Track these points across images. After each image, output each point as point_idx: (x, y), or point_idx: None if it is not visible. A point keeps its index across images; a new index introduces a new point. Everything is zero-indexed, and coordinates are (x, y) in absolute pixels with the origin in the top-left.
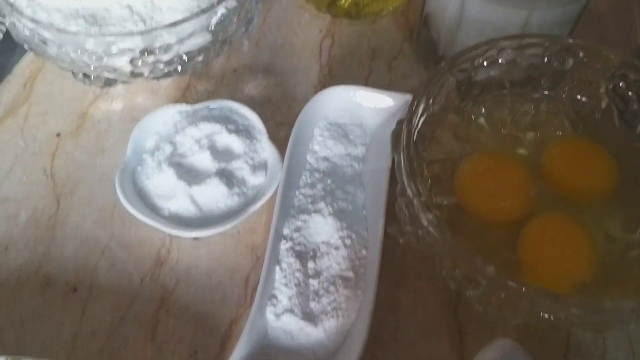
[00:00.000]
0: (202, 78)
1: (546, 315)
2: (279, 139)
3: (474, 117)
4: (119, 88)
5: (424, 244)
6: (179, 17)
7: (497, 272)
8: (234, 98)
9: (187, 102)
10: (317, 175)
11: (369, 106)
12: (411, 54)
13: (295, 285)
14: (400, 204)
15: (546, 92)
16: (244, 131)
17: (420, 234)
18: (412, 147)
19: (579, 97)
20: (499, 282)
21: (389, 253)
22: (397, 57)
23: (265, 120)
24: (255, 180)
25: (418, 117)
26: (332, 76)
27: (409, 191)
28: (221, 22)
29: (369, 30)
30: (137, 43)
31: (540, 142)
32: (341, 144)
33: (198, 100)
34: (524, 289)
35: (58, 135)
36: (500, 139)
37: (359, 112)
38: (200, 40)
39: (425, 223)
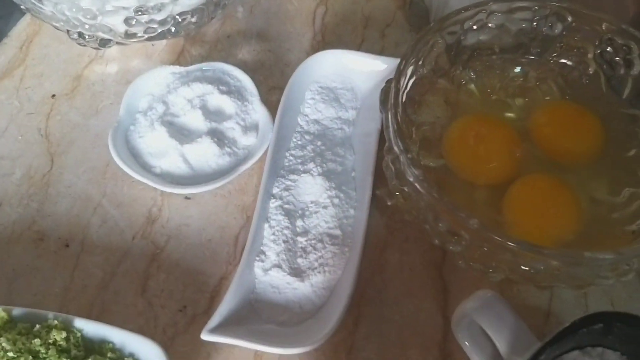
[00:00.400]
0: (196, 43)
1: (527, 268)
2: (271, 103)
3: (463, 82)
4: (114, 51)
5: (409, 200)
6: None
7: (480, 224)
8: (227, 62)
9: (180, 65)
10: (307, 137)
11: (360, 70)
12: (404, 22)
13: (284, 242)
14: (387, 161)
15: (535, 58)
16: (236, 93)
17: (406, 190)
18: (399, 105)
19: (567, 62)
20: (481, 235)
21: (378, 215)
22: (390, 24)
23: (258, 84)
24: (246, 140)
25: (407, 78)
26: (325, 43)
27: (395, 148)
28: None
29: None
30: (132, 2)
31: (529, 107)
32: (332, 107)
33: (192, 64)
34: (505, 240)
35: (53, 96)
36: (489, 104)
37: (350, 76)
38: (194, 0)
39: (411, 179)
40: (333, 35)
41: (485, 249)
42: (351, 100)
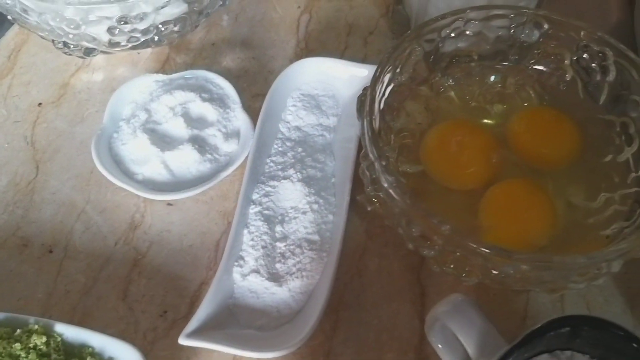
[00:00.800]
0: (181, 51)
1: (497, 272)
2: (255, 109)
3: (442, 89)
4: (100, 60)
5: (385, 206)
6: None
7: (452, 229)
8: (211, 70)
9: (165, 73)
10: (288, 144)
11: (341, 77)
12: (387, 30)
13: (262, 247)
14: (363, 167)
15: (513, 65)
16: (218, 100)
17: (381, 197)
18: (375, 113)
19: (545, 69)
20: (453, 240)
21: (357, 220)
22: (373, 32)
23: (241, 91)
24: (227, 147)
25: (384, 86)
26: (309, 50)
27: (370, 155)
28: None
29: (346, 7)
30: (114, 11)
31: (508, 114)
32: (313, 114)
33: (177, 72)
34: (475, 244)
35: (40, 104)
36: (469, 110)
37: (331, 83)
38: (176, 10)
39: (386, 185)
40: (316, 43)
41: (458, 254)
42: (332, 107)
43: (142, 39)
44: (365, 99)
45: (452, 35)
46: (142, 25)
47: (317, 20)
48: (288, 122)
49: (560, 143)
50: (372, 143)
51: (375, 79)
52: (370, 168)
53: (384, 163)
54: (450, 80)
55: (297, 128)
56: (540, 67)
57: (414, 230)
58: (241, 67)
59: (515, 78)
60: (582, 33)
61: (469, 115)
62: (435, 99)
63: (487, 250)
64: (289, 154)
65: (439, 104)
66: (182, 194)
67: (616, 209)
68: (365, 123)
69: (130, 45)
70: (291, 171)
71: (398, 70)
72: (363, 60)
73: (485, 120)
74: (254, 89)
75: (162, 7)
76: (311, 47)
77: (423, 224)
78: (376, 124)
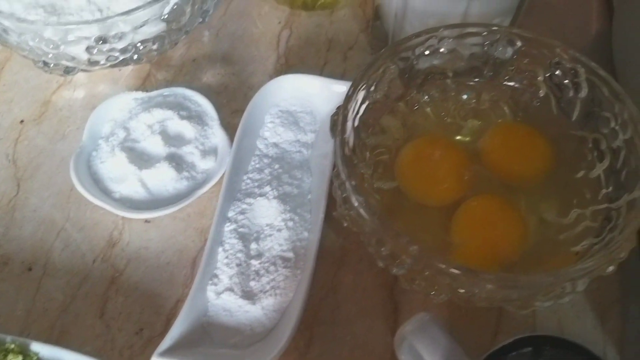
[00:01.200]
0: (162, 67)
1: (463, 291)
2: (234, 126)
3: (417, 106)
4: (81, 77)
5: (355, 224)
6: (135, 5)
7: (420, 250)
8: (191, 86)
9: (146, 90)
10: (265, 160)
11: (319, 94)
12: (366, 45)
13: (237, 265)
14: (335, 186)
15: (488, 81)
16: (196, 117)
17: (352, 215)
18: (348, 131)
19: (518, 85)
20: (420, 260)
21: (334, 236)
22: (353, 47)
23: (221, 107)
24: (204, 164)
25: (359, 103)
26: (289, 65)
27: (341, 174)
28: (174, 12)
29: (326, 22)
30: (93, 31)
31: (482, 130)
32: (291, 130)
33: (157, 89)
34: (442, 265)
35: (22, 122)
36: (444, 126)
37: (309, 99)
38: (154, 28)
39: (356, 204)
40: (296, 58)
41: (427, 272)
42: (310, 124)
43: (121, 58)
44: (337, 118)
45: (427, 53)
46: (120, 45)
47: (298, 35)
48: (266, 139)
49: (533, 159)
50: (343, 163)
51: (348, 98)
52: (341, 187)
53: (354, 183)
54: (426, 97)
55: (275, 145)
56: (514, 84)
57: (383, 249)
58: (221, 83)
59: (489, 94)
60: (554, 50)
61: (444, 131)
62: (411, 115)
63: (453, 270)
64: (265, 171)
65: (415, 120)
66: (159, 212)
67: (587, 225)
68: (337, 142)
69: (109, 64)
70: (267, 188)
71: (372, 88)
72: (342, 75)
73: (460, 137)
74: (234, 105)
75: (141, 27)
76: (291, 62)
77: (392, 244)
78: (350, 142)
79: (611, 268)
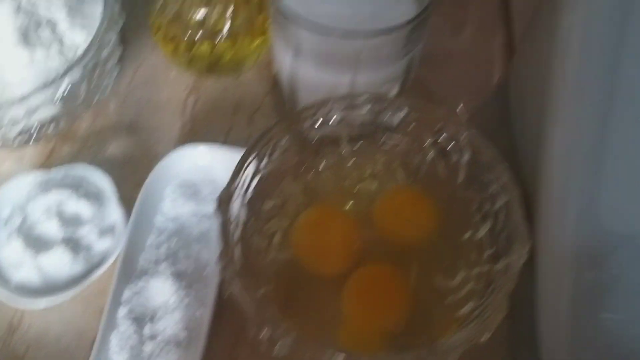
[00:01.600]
0: (67, 141)
1: None
2: (135, 201)
3: (314, 171)
4: None
5: (239, 307)
6: (28, 91)
7: (298, 337)
8: (96, 159)
9: (51, 166)
10: (163, 237)
11: (220, 162)
12: (271, 108)
13: (131, 348)
14: (220, 267)
15: (381, 146)
16: (94, 195)
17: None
18: (235, 210)
19: (408, 149)
20: (298, 346)
21: (232, 309)
22: (258, 110)
23: (124, 180)
24: (101, 245)
25: (249, 179)
26: (194, 132)
27: (221, 260)
28: (69, 93)
29: (232, 85)
30: None
31: (378, 194)
32: (192, 201)
33: (61, 164)
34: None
35: None
36: (342, 191)
37: (211, 168)
38: (49, 111)
39: (237, 290)
40: (202, 124)
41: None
42: (212, 193)
43: (17, 140)
44: (221, 200)
45: (318, 123)
46: (15, 130)
47: (204, 100)
48: (165, 213)
49: (420, 222)
50: (223, 249)
51: (232, 179)
52: (225, 269)
53: (230, 269)
54: (324, 162)
55: (174, 218)
56: (405, 148)
57: (262, 335)
58: (126, 153)
59: (383, 158)
60: (438, 115)
61: (342, 197)
62: (311, 181)
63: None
64: (162, 247)
65: (315, 186)
66: (54, 299)
67: (472, 287)
68: (220, 225)
69: (4, 146)
70: (163, 266)
71: (265, 160)
72: (247, 139)
73: (356, 201)
74: (137, 177)
75: (35, 111)
76: (196, 128)
77: (271, 330)
78: (242, 217)
79: (487, 335)
